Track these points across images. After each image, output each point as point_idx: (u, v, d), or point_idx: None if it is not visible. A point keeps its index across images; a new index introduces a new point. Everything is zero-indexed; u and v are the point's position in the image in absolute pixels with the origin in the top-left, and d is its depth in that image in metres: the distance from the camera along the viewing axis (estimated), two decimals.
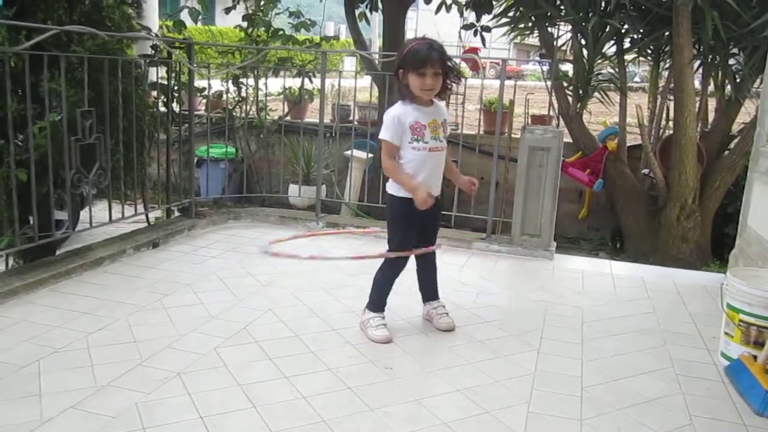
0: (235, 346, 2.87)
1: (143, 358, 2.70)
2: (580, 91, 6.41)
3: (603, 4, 6.05)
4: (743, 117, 6.53)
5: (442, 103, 3.10)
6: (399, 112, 2.89)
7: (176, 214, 5.04)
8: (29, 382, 2.46)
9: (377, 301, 3.10)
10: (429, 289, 3.29)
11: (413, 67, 2.81)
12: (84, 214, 4.89)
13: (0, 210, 3.55)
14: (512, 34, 6.93)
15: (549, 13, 6.28)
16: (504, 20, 6.72)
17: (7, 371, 2.54)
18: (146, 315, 3.16)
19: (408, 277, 3.15)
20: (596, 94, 6.56)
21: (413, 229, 3.03)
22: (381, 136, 2.90)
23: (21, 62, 3.52)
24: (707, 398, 2.65)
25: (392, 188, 3.00)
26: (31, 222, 3.79)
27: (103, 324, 3.02)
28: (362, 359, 2.82)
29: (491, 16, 6.92)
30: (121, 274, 3.74)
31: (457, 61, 10.62)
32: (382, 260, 3.09)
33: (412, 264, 3.17)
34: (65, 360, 2.65)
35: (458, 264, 4.25)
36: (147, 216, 4.84)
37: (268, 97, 6.91)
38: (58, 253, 4.09)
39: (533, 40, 7.53)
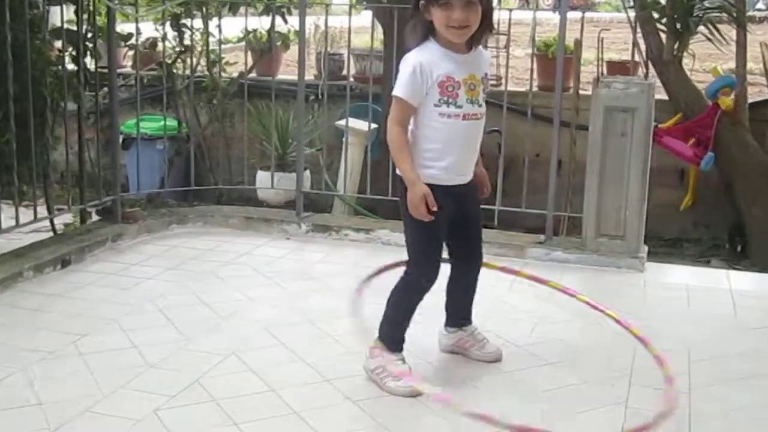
0: (184, 407, 2.87)
1: (52, 429, 2.71)
2: (678, 26, 6.38)
3: None
4: None
5: (484, 50, 3.10)
6: (423, 59, 2.90)
7: (94, 217, 5.05)
8: None
9: (393, 337, 3.10)
10: (462, 311, 3.32)
11: None
12: None
13: None
14: None
15: None
16: None
17: None
18: (55, 365, 3.17)
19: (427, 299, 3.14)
20: (701, 28, 6.53)
21: (442, 228, 3.02)
22: (395, 92, 2.92)
23: None
24: None
25: None
26: None
27: None
28: (369, 423, 2.82)
29: None
30: (17, 307, 3.76)
31: None
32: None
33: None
34: None
35: (506, 280, 4.23)
36: (52, 222, 4.86)
37: (223, 46, 6.92)
38: None
39: None
